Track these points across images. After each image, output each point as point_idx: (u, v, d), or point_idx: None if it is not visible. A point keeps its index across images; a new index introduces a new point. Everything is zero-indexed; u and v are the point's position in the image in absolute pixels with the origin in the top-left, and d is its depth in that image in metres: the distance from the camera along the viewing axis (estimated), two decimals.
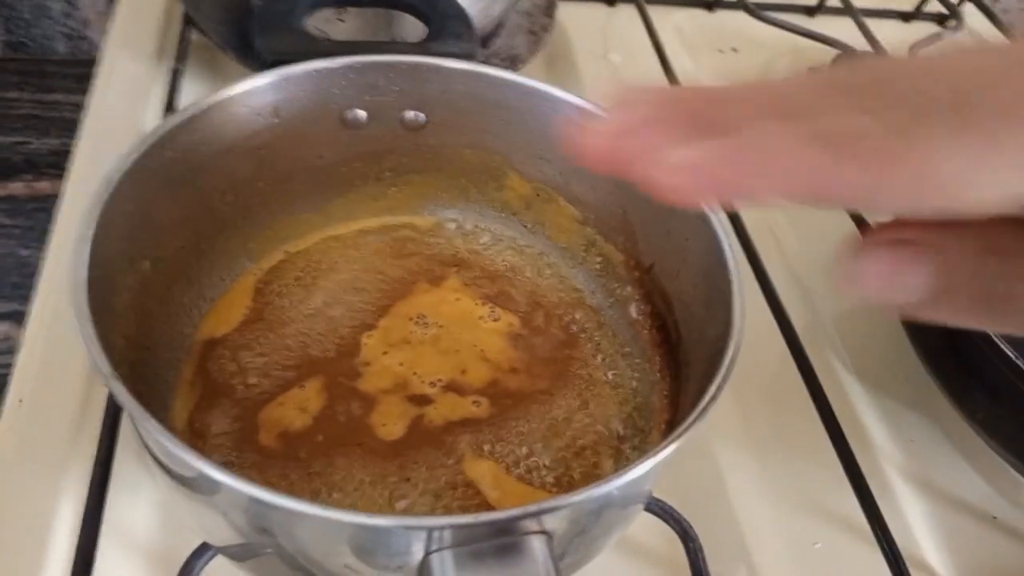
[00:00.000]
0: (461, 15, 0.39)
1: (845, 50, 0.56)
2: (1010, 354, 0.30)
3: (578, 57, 0.54)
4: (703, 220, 0.28)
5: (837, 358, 0.40)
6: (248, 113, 0.31)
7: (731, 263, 0.27)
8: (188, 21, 0.50)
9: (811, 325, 0.40)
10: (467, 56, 0.37)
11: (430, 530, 0.20)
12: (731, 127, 0.16)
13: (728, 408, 0.36)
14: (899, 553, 0.31)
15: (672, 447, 0.22)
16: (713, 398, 0.23)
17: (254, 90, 0.31)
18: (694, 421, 0.22)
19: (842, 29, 0.59)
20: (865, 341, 0.41)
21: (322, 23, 0.45)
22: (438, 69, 0.33)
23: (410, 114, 0.34)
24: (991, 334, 0.31)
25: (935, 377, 0.35)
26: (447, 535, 0.20)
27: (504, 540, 0.21)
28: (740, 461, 0.34)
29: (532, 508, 0.20)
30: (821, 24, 0.59)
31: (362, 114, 0.34)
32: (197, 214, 0.32)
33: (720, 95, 0.18)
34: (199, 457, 0.19)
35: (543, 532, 0.21)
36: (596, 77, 0.53)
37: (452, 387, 0.31)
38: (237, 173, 0.32)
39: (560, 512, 0.21)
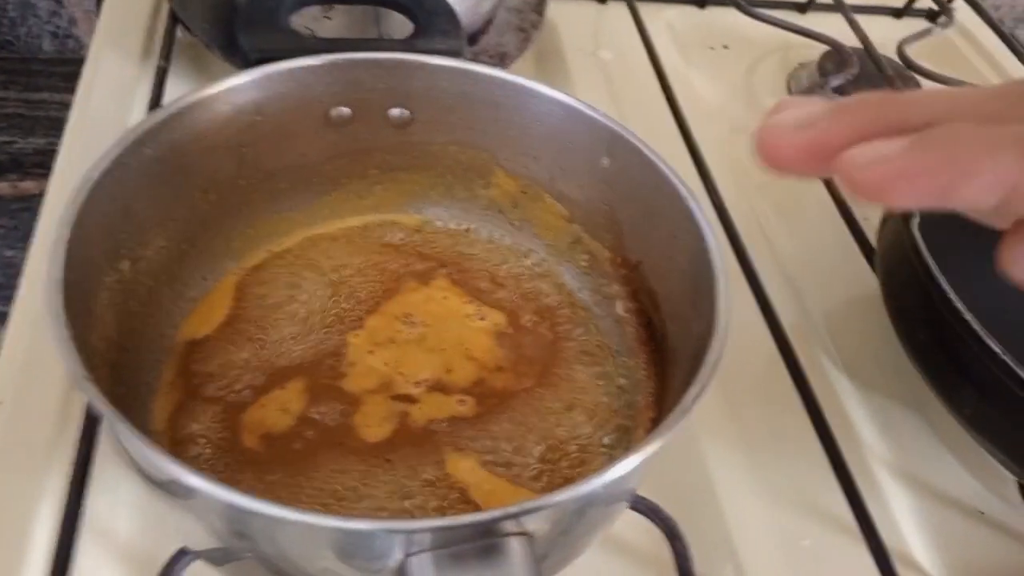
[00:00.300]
0: (448, 12, 0.38)
1: (835, 46, 0.56)
2: (997, 350, 0.30)
3: (568, 54, 0.54)
4: (689, 217, 0.28)
5: (826, 355, 0.39)
6: (230, 111, 0.31)
7: (716, 260, 0.26)
8: (175, 19, 0.50)
9: (800, 322, 0.40)
10: (453, 53, 0.37)
11: (408, 533, 0.19)
12: (921, 127, 0.17)
13: (716, 405, 0.36)
14: (886, 550, 0.31)
15: (654, 446, 0.22)
16: (697, 396, 0.22)
17: (236, 88, 0.31)
18: (677, 420, 0.22)
19: (833, 25, 0.59)
20: (854, 338, 0.40)
21: (309, 21, 0.45)
22: (423, 66, 0.33)
23: (395, 111, 0.34)
24: (978, 330, 0.30)
25: (923, 373, 0.35)
26: (426, 538, 0.20)
27: (484, 542, 0.20)
28: (728, 459, 0.34)
29: (512, 509, 0.20)
30: (812, 20, 0.59)
31: (347, 112, 0.34)
32: (179, 213, 0.31)
33: (903, 99, 0.18)
34: (173, 461, 0.19)
35: (524, 533, 0.21)
36: (586, 74, 0.52)
37: (437, 386, 0.31)
38: (220, 172, 0.32)
39: (541, 513, 0.21)
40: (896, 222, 0.38)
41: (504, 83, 0.32)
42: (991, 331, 0.31)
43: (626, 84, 0.52)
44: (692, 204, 0.28)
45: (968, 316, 0.31)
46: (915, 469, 0.36)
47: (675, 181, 0.29)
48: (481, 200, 0.36)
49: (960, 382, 0.33)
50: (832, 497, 0.33)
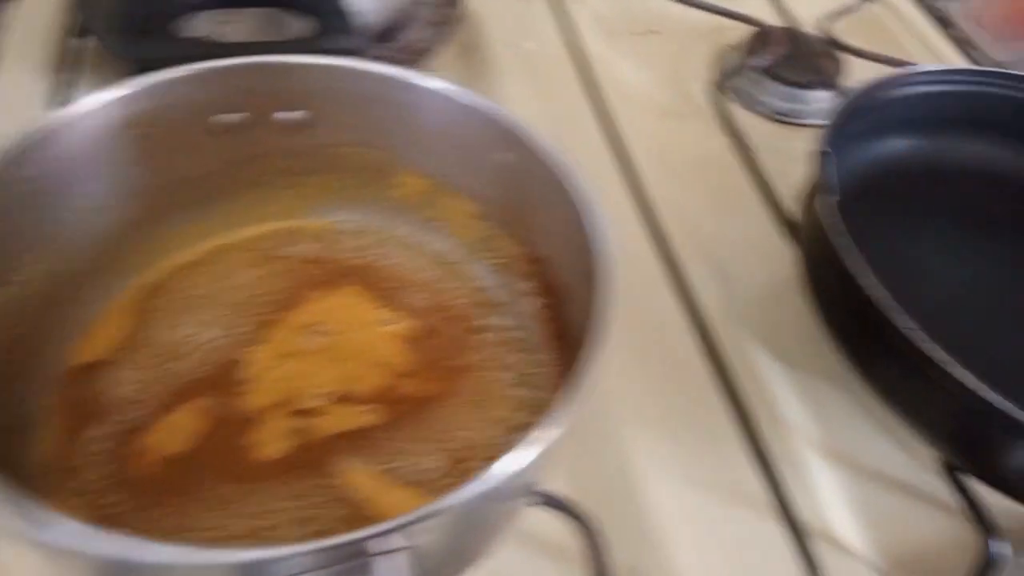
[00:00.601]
0: (342, 11, 0.37)
1: (763, 27, 0.55)
2: (906, 328, 0.30)
3: (492, 47, 0.53)
4: (574, 205, 0.27)
5: (753, 338, 0.39)
6: (113, 124, 0.30)
7: (601, 246, 0.26)
8: (85, 31, 0.48)
9: (726, 306, 0.40)
10: (352, 51, 0.36)
11: (272, 561, 0.19)
12: None
13: (636, 393, 0.35)
14: (803, 530, 0.31)
15: (534, 448, 0.21)
16: (579, 392, 0.22)
17: (116, 101, 0.30)
18: (555, 419, 0.21)
19: (760, 6, 0.58)
20: (782, 319, 0.40)
21: (215, 26, 0.44)
22: (314, 67, 0.32)
23: (292, 114, 0.33)
24: (885, 308, 0.30)
25: (842, 353, 0.35)
26: (299, 562, 0.19)
27: (362, 560, 0.20)
28: (650, 447, 0.34)
29: (384, 526, 0.19)
30: (739, 2, 0.58)
31: (240, 118, 0.33)
32: (65, 233, 0.30)
33: None
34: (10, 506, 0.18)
35: (404, 547, 0.20)
36: (511, 67, 0.52)
37: (345, 397, 0.30)
38: (108, 187, 0.31)
39: (420, 525, 0.20)
40: (815, 200, 0.37)
41: (396, 81, 0.31)
42: (910, 311, 0.31)
43: (552, 75, 0.52)
44: (579, 192, 0.28)
45: (878, 293, 0.31)
46: (844, 446, 0.36)
47: (564, 169, 0.28)
48: (389, 200, 0.35)
49: (877, 361, 0.33)
50: (754, 480, 0.33)
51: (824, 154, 0.37)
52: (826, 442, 0.36)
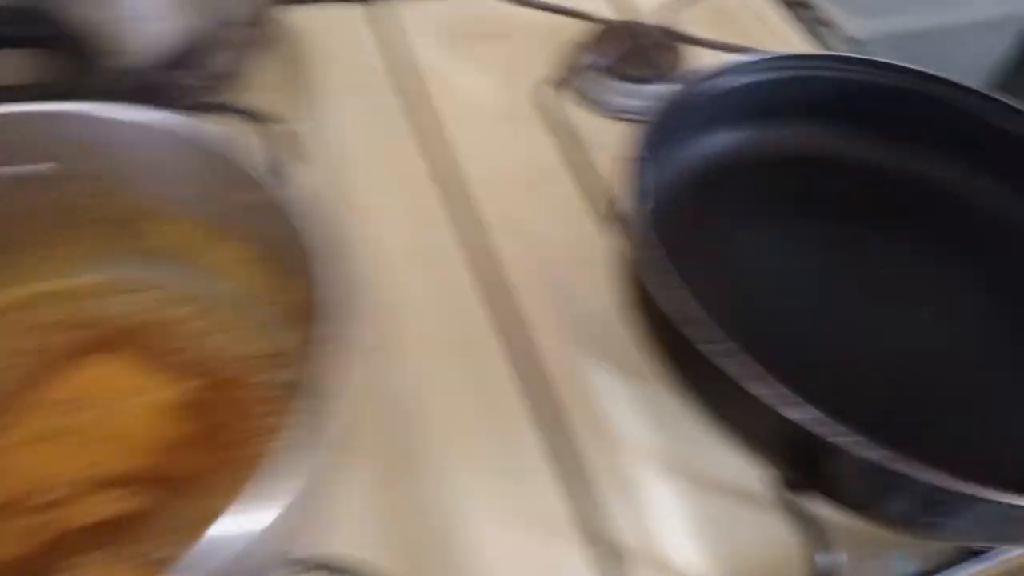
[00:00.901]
0: (107, 47, 0.34)
1: (606, 23, 0.54)
2: (700, 346, 0.28)
3: (317, 63, 0.50)
4: (320, 249, 0.25)
5: (587, 357, 0.37)
6: None
7: (338, 293, 0.23)
8: None
9: (556, 321, 0.38)
10: (112, 92, 0.32)
11: None
12: None
13: (450, 430, 0.33)
14: (628, 554, 0.30)
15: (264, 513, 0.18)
16: (307, 452, 0.19)
17: None
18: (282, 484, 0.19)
19: (600, 3, 0.57)
20: (618, 334, 0.38)
21: None
22: (50, 116, 0.28)
23: (34, 167, 0.30)
24: (682, 328, 0.28)
25: (668, 369, 0.33)
26: None
27: None
28: (463, 488, 0.31)
29: None
30: (582, 0, 0.57)
31: None
32: None
33: None
34: None
35: None
36: (335, 83, 0.49)
37: (99, 483, 0.27)
38: None
39: None
40: (633, 209, 0.35)
41: (130, 123, 0.28)
42: (733, 319, 0.29)
43: (379, 87, 0.49)
44: (314, 232, 0.25)
45: (675, 308, 0.29)
46: (684, 461, 0.34)
47: (297, 207, 0.26)
48: (150, 252, 0.31)
49: (695, 377, 0.31)
50: (576, 509, 0.31)
51: (638, 160, 0.35)
52: (666, 458, 0.34)
